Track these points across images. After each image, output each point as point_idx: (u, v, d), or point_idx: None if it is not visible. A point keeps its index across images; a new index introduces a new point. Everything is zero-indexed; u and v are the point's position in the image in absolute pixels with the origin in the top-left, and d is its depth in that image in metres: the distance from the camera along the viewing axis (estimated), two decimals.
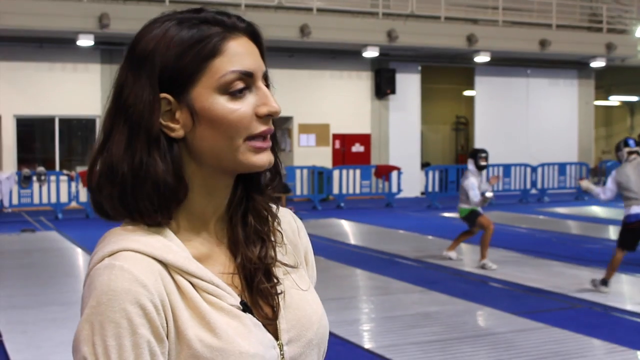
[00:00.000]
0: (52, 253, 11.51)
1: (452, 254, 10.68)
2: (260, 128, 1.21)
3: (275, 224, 1.34)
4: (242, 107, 1.20)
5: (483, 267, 10.02)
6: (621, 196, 8.51)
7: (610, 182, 8.55)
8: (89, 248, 11.64)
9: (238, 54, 1.20)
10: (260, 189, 1.31)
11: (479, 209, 10.14)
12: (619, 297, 8.33)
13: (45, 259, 10.88)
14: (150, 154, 1.18)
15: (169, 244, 1.19)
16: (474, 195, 9.94)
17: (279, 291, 1.28)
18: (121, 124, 1.19)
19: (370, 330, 7.12)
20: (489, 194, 10.05)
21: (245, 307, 1.22)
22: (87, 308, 1.12)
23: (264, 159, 1.23)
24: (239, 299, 1.22)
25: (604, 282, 8.38)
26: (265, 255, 1.28)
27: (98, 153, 1.22)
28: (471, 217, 10.19)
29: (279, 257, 1.32)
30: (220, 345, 1.15)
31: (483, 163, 10.21)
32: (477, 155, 10.24)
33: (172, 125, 1.20)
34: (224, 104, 1.19)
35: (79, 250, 11.67)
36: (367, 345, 6.54)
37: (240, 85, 1.20)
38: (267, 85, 1.26)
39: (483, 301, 8.14)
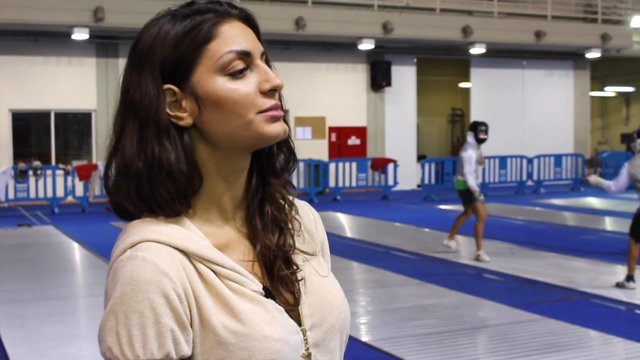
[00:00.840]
0: (49, 247, 11.51)
1: (452, 243, 10.62)
2: (268, 102, 1.23)
3: (293, 212, 1.36)
4: (244, 86, 1.21)
5: (477, 258, 10.02)
6: (634, 188, 8.42)
7: (622, 174, 8.41)
8: (85, 242, 11.64)
9: (233, 36, 1.23)
10: (275, 171, 1.32)
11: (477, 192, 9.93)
12: (614, 288, 8.34)
13: (42, 254, 10.87)
14: (162, 144, 1.20)
15: (188, 234, 1.21)
16: (469, 171, 9.81)
17: (299, 277, 1.30)
18: (131, 121, 1.22)
19: (367, 323, 7.13)
20: (481, 198, 9.98)
21: (268, 293, 1.24)
22: (111, 299, 1.14)
23: (279, 127, 1.24)
24: (261, 285, 1.24)
25: (629, 278, 8.23)
26: (283, 243, 1.30)
27: (111, 155, 1.24)
28: (467, 194, 10.04)
29: (298, 244, 1.34)
30: (245, 330, 1.17)
31: (483, 136, 10.06)
32: (477, 128, 10.09)
33: (179, 114, 1.22)
34: (225, 85, 1.21)
35: (75, 245, 11.67)
36: (364, 338, 6.55)
37: (239, 65, 1.22)
38: (268, 65, 1.27)
39: (479, 293, 8.15)
